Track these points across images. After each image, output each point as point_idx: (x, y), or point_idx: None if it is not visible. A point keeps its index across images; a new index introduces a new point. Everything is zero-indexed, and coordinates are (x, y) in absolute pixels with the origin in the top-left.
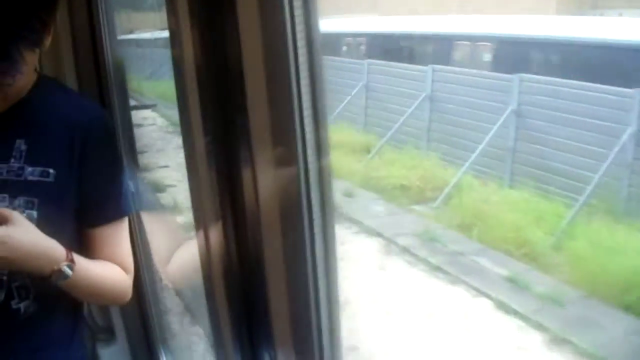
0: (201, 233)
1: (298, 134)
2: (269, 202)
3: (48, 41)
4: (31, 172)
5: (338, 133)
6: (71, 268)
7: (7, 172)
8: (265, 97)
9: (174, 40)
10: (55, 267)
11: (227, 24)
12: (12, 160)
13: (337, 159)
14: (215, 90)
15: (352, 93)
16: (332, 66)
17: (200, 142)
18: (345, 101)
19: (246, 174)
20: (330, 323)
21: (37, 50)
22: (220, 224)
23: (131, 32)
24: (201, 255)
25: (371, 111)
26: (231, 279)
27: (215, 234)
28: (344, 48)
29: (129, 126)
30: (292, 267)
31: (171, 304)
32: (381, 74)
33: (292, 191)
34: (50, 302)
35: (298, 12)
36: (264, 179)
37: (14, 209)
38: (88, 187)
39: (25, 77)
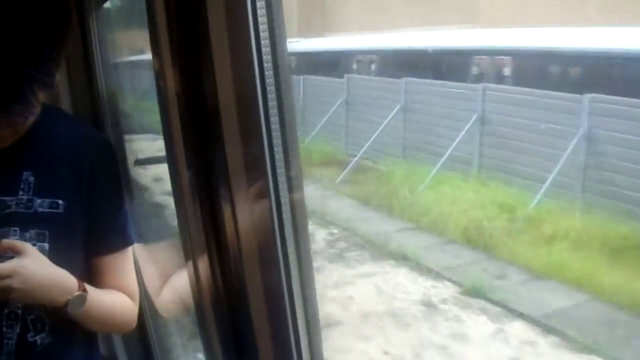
0: (190, 265)
1: (269, 169)
2: (248, 235)
3: (57, 77)
4: (40, 204)
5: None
6: (84, 297)
7: (17, 204)
8: (238, 135)
9: (159, 80)
10: (69, 297)
11: (204, 66)
12: (21, 192)
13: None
14: (196, 126)
15: (570, 147)
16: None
17: (184, 175)
18: (563, 160)
19: (226, 209)
20: (311, 348)
21: (50, 90)
22: (206, 257)
23: (142, 52)
24: (192, 286)
25: (594, 174)
26: (219, 310)
27: (203, 266)
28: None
29: (123, 155)
30: (271, 299)
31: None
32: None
33: (267, 225)
34: (65, 334)
35: (266, 50)
36: (242, 214)
37: (25, 242)
38: (96, 216)
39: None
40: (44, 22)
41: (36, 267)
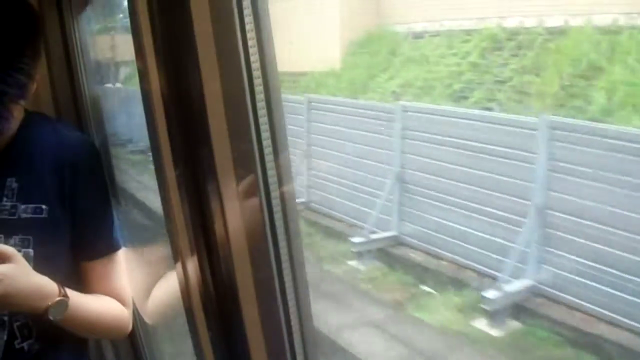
0: (179, 267)
1: (258, 165)
2: (238, 233)
3: (34, 87)
4: (24, 210)
5: None
6: (65, 303)
7: (1, 211)
8: (226, 131)
9: (142, 78)
10: (50, 303)
11: (189, 62)
12: (5, 199)
13: None
14: (182, 125)
15: None
16: None
17: (171, 174)
18: None
19: (215, 207)
20: (304, 346)
21: (24, 101)
22: (195, 256)
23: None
24: (181, 286)
25: None
26: (210, 312)
27: (192, 266)
28: None
29: (107, 157)
30: (263, 296)
31: None
32: None
33: (257, 221)
34: (53, 340)
35: (253, 50)
36: (232, 211)
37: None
38: (81, 219)
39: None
40: (7, 35)
41: (18, 274)
